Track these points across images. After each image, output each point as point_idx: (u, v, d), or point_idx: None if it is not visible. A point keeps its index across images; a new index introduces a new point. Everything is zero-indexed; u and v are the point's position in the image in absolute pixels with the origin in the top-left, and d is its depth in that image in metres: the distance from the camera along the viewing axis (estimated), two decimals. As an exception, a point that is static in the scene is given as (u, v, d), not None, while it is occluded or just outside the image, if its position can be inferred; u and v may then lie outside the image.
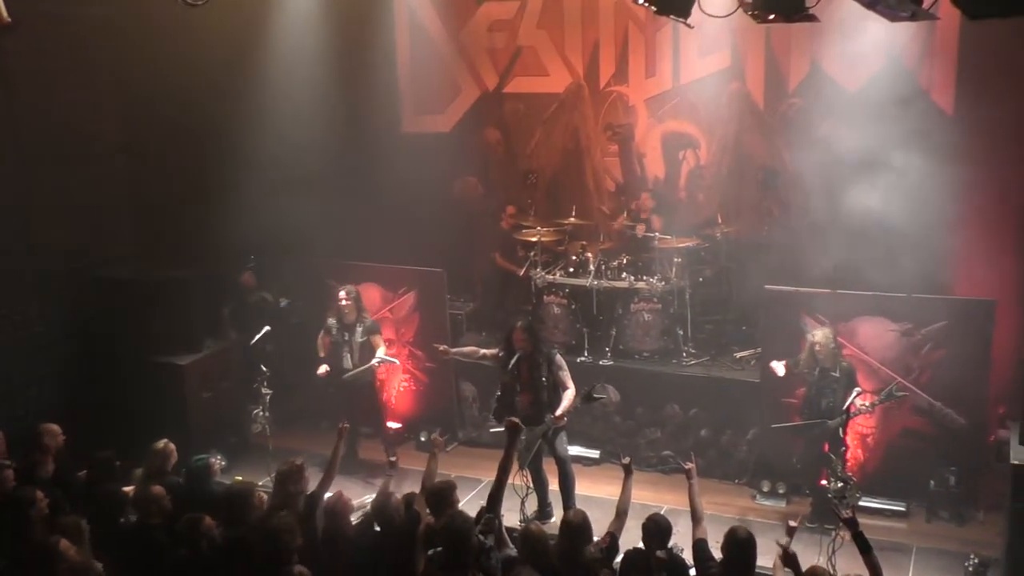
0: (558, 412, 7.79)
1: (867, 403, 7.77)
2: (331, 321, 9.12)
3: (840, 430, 7.65)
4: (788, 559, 5.43)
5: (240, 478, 8.34)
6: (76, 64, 9.29)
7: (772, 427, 8.10)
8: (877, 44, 8.66)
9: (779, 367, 7.96)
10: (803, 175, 9.31)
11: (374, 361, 8.98)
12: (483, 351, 8.36)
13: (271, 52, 10.03)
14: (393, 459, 7.63)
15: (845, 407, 7.53)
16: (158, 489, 6.29)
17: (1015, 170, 8.50)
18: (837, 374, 7.73)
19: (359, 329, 9.04)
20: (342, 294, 9.02)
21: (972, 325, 8.02)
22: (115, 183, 9.94)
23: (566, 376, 7.91)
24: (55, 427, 7.22)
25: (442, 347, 8.59)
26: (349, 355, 9.02)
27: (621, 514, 6.09)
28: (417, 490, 6.36)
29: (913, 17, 5.04)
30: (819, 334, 7.81)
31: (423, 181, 10.60)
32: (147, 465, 6.80)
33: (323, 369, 9.07)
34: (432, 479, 6.39)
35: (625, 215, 10.15)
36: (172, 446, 6.93)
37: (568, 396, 7.82)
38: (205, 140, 10.07)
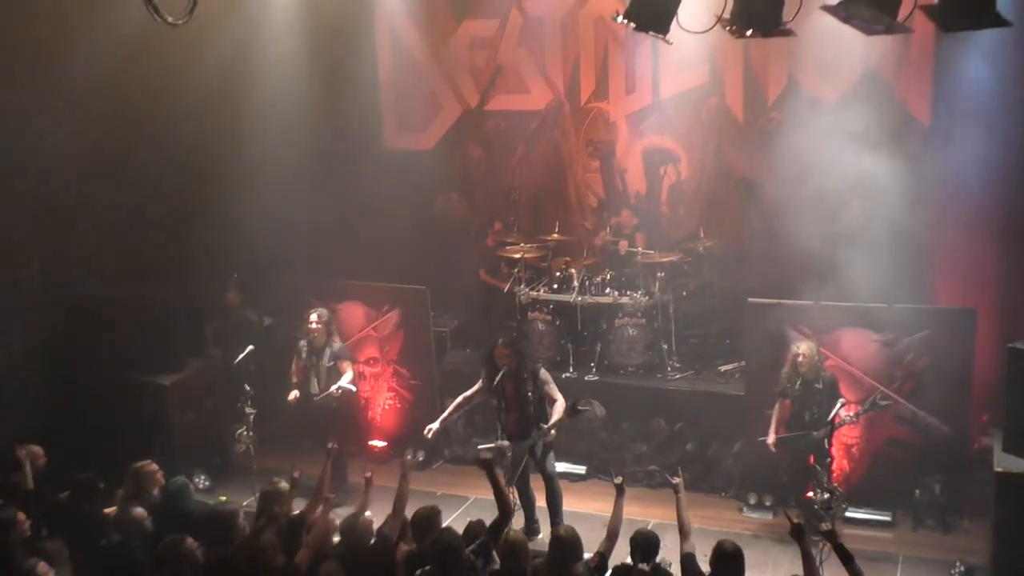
0: (549, 424, 7.76)
1: (851, 413, 7.80)
2: (302, 344, 8.98)
3: (825, 441, 7.66)
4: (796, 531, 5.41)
5: (224, 498, 8.29)
6: (55, 83, 9.25)
7: (758, 440, 8.11)
8: (854, 57, 8.76)
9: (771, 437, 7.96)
10: (783, 188, 9.37)
11: (333, 388, 8.73)
12: (467, 394, 8.13)
13: (253, 70, 10.03)
14: (369, 475, 6.93)
15: (830, 418, 7.55)
16: (139, 511, 6.24)
17: (992, 179, 8.56)
18: (820, 386, 7.75)
19: (327, 353, 8.87)
20: (313, 317, 8.86)
21: (954, 334, 8.07)
22: (96, 202, 9.88)
23: (553, 389, 7.89)
24: (37, 448, 7.15)
25: (428, 431, 8.14)
26: (316, 379, 8.85)
27: (612, 534, 6.01)
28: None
29: (888, 30, 5.09)
30: (803, 346, 7.84)
31: (405, 198, 10.61)
32: (127, 486, 6.74)
33: (293, 395, 8.90)
34: (404, 501, 6.31)
35: (608, 231, 10.17)
36: (154, 467, 6.84)
37: (558, 408, 7.77)
38: (187, 158, 10.05)
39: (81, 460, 7.22)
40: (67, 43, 9.16)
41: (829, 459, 7.66)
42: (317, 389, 8.84)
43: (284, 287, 10.31)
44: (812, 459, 7.63)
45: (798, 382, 7.80)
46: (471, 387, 8.16)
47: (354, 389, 9.06)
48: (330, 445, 7.01)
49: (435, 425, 8.13)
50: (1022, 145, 8.51)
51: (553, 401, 7.84)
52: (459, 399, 8.20)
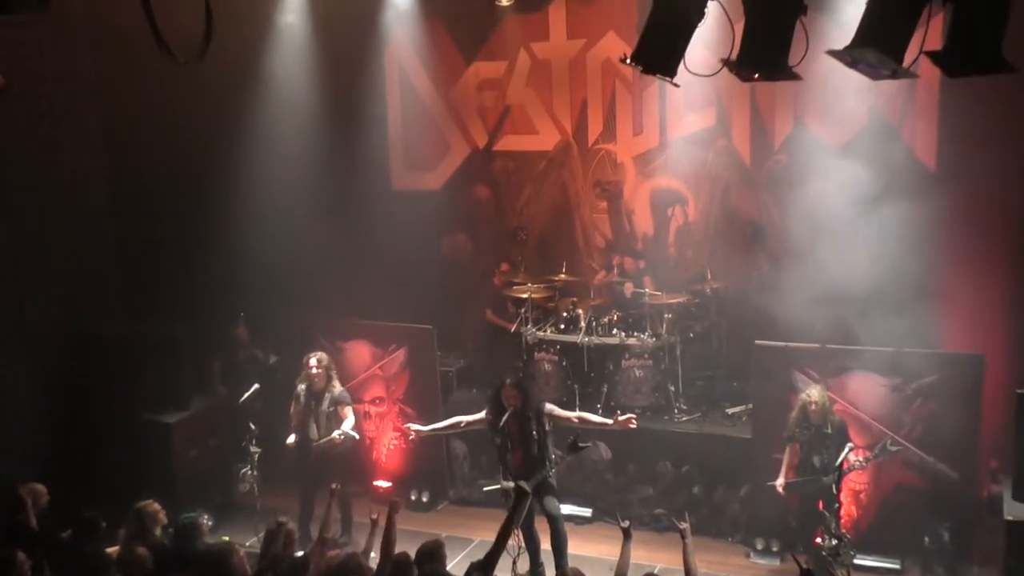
0: (556, 461, 7.71)
1: (861, 459, 7.72)
2: (300, 388, 8.81)
3: (834, 487, 7.58)
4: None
5: (227, 538, 8.23)
6: (64, 120, 9.35)
7: (767, 484, 8.05)
8: (860, 101, 8.80)
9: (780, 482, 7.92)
10: (790, 230, 9.39)
11: (336, 434, 8.53)
12: (467, 419, 8.10)
13: (262, 109, 10.14)
14: (375, 517, 6.76)
15: (838, 463, 7.48)
16: (142, 550, 6.20)
17: (999, 223, 8.57)
18: (829, 431, 7.68)
19: (327, 398, 8.68)
20: (312, 361, 8.68)
21: (962, 379, 8.02)
22: (102, 238, 9.93)
23: (568, 416, 7.89)
24: (40, 486, 7.12)
25: (411, 428, 8.23)
26: (315, 425, 8.66)
27: None
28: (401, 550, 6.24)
29: (894, 75, 5.10)
30: (815, 393, 7.75)
31: (413, 237, 10.65)
32: (130, 525, 6.69)
33: (292, 439, 8.75)
34: (391, 547, 6.22)
35: (615, 271, 10.17)
36: (157, 506, 6.78)
37: (575, 423, 7.80)
38: (195, 196, 10.11)
39: (85, 499, 7.17)
40: (79, 86, 9.31)
41: (838, 505, 7.57)
42: (316, 435, 8.64)
43: (291, 325, 10.32)
44: (821, 504, 7.57)
45: (807, 427, 7.74)
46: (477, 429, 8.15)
47: (357, 436, 8.86)
48: (333, 486, 6.95)
49: (422, 428, 8.15)
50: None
51: (570, 422, 7.82)
52: (456, 419, 8.20)
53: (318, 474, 8.65)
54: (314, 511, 8.78)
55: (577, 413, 8.09)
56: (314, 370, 8.68)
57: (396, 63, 11.01)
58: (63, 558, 6.53)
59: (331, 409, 8.69)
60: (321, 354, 8.84)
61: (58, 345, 9.38)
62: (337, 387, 8.83)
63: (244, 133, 10.08)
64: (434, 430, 8.29)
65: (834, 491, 7.54)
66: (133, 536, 6.58)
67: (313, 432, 8.67)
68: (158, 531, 6.71)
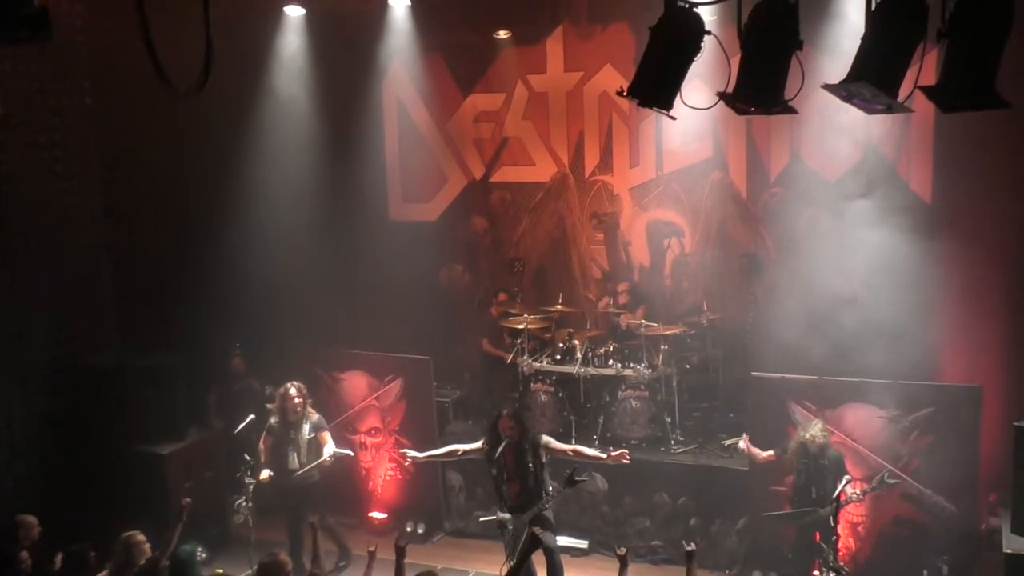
0: (550, 496, 7.67)
1: (858, 491, 7.70)
2: (273, 420, 8.66)
3: (831, 519, 7.55)
4: None
5: (221, 571, 8.16)
6: (64, 151, 9.37)
7: (763, 515, 8.01)
8: (855, 135, 8.87)
9: (742, 443, 8.06)
10: (786, 263, 9.42)
11: (327, 456, 8.49)
12: (463, 448, 8.04)
13: (260, 141, 10.20)
14: (372, 549, 6.70)
15: (835, 495, 7.45)
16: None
17: (995, 256, 8.60)
18: (826, 463, 7.66)
19: (306, 426, 8.57)
20: (293, 391, 8.57)
21: (959, 411, 8.01)
22: (98, 269, 9.93)
23: (563, 449, 7.83)
24: (32, 519, 7.07)
25: (407, 454, 8.15)
26: (295, 454, 8.51)
27: None
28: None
29: (889, 110, 5.14)
30: (816, 429, 7.69)
31: (410, 269, 10.66)
32: (116, 556, 6.62)
33: (266, 474, 8.51)
34: None
35: (613, 302, 10.17)
36: (141, 537, 6.72)
37: (570, 456, 7.78)
38: (192, 227, 10.14)
39: (78, 530, 7.13)
40: (78, 117, 9.35)
41: (835, 537, 7.54)
42: (297, 464, 8.51)
43: (288, 356, 10.29)
44: (818, 536, 7.53)
45: (805, 459, 7.70)
46: (473, 459, 8.10)
47: (351, 453, 8.91)
48: (311, 520, 6.90)
49: (418, 455, 8.06)
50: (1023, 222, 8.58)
51: (566, 455, 7.79)
52: (453, 447, 8.12)
53: (301, 503, 8.55)
54: (303, 542, 8.63)
55: (572, 446, 8.06)
56: (296, 399, 8.56)
57: (394, 95, 11.08)
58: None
59: (312, 436, 8.60)
60: (297, 383, 8.71)
61: (53, 376, 9.34)
62: (314, 413, 8.74)
63: (242, 164, 10.13)
64: (430, 457, 8.21)
65: (831, 523, 7.52)
66: (120, 568, 6.53)
67: (293, 462, 8.51)
68: (143, 562, 6.65)
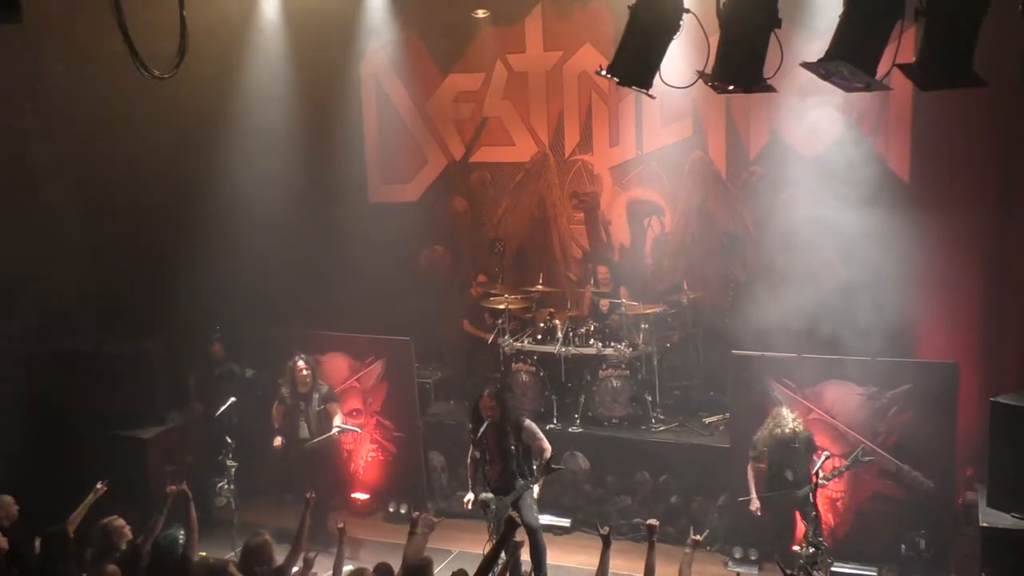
0: (532, 479, 7.70)
1: (834, 469, 7.77)
2: (284, 390, 9.00)
3: (810, 495, 7.62)
4: None
5: (203, 554, 8.15)
6: (36, 135, 9.27)
7: (740, 501, 8.09)
8: (834, 113, 8.88)
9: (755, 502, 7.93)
10: (765, 241, 9.46)
11: (334, 430, 8.80)
12: (471, 455, 8.02)
13: (238, 123, 10.09)
14: (341, 526, 6.82)
15: (816, 470, 7.51)
16: (112, 568, 6.13)
17: (972, 233, 8.66)
18: (796, 445, 7.72)
19: (315, 397, 8.90)
20: (301, 363, 8.90)
21: (936, 388, 8.09)
22: (77, 253, 9.85)
23: (542, 440, 7.83)
24: (8, 498, 7.04)
25: (468, 503, 8.07)
26: (306, 424, 8.85)
27: None
28: (383, 561, 6.21)
29: (867, 88, 5.16)
30: (784, 419, 7.75)
31: (390, 250, 10.64)
32: (95, 542, 6.59)
33: (278, 440, 8.88)
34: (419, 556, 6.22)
35: (595, 282, 10.19)
36: (121, 521, 6.70)
37: (546, 457, 7.71)
38: (170, 210, 10.04)
39: (58, 516, 7.09)
40: (50, 101, 9.23)
41: (815, 513, 7.61)
42: (307, 434, 8.82)
43: (267, 339, 10.27)
44: (798, 516, 7.59)
45: (775, 446, 7.75)
46: (455, 440, 8.12)
47: (358, 430, 9.18)
48: (308, 495, 6.92)
49: (470, 495, 8.03)
50: (1000, 200, 8.64)
51: (541, 451, 7.78)
52: (469, 462, 8.10)
53: (309, 473, 8.74)
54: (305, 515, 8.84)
55: (547, 448, 7.83)
56: (304, 371, 8.85)
57: (372, 76, 11.00)
58: (34, 574, 6.46)
59: (321, 407, 8.87)
60: (306, 355, 9.03)
61: (33, 362, 9.28)
62: (324, 386, 9.06)
63: (219, 148, 10.04)
64: (474, 487, 8.05)
65: (810, 500, 7.59)
66: (99, 554, 6.50)
67: (303, 432, 8.81)
68: (123, 546, 6.63)
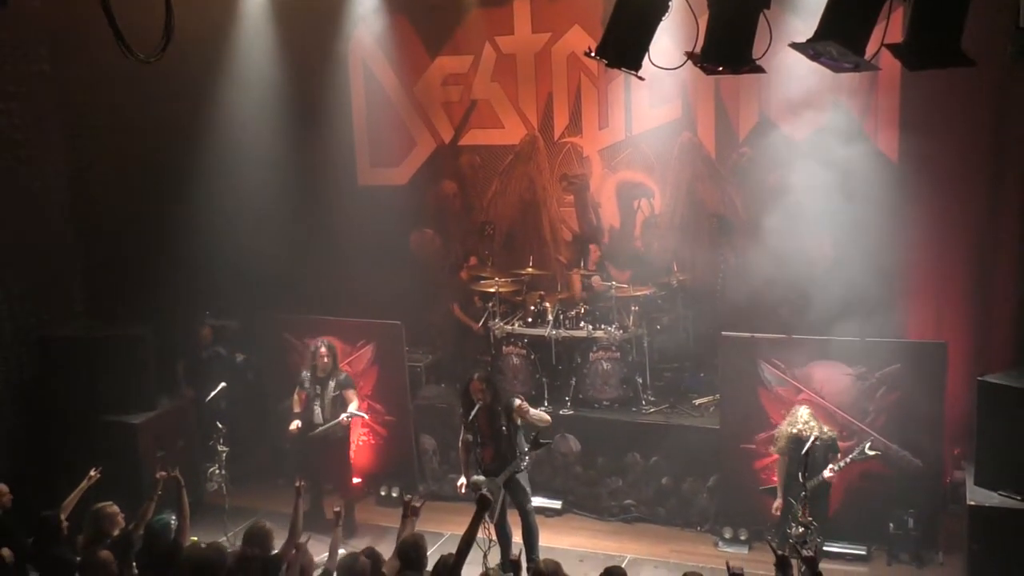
0: (522, 454, 7.71)
1: (840, 463, 7.70)
2: (305, 374, 9.05)
3: (800, 476, 7.57)
4: None
5: (196, 539, 8.17)
6: (23, 120, 9.20)
7: (759, 490, 8.13)
8: (823, 94, 8.87)
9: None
10: (754, 223, 9.47)
11: (343, 416, 8.82)
12: (462, 439, 8.07)
13: (226, 107, 10.04)
14: (337, 510, 6.92)
15: (804, 451, 7.47)
16: (105, 554, 6.13)
17: (960, 213, 8.69)
18: (818, 443, 7.60)
19: (331, 383, 8.93)
20: (323, 349, 8.96)
21: (925, 368, 8.13)
22: (63, 239, 9.80)
23: (535, 414, 7.83)
24: (3, 487, 7.04)
25: (461, 487, 8.09)
26: (320, 410, 8.90)
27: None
28: (375, 545, 6.24)
29: (856, 68, 5.16)
30: (804, 419, 7.67)
31: (380, 234, 10.61)
32: (87, 528, 6.60)
33: (295, 424, 8.92)
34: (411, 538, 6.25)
35: (584, 264, 10.20)
36: (115, 508, 6.71)
37: (541, 416, 7.80)
38: (157, 195, 10.00)
39: (50, 501, 7.10)
40: (37, 85, 9.15)
41: (804, 493, 7.62)
42: (321, 419, 8.87)
43: (257, 323, 10.25)
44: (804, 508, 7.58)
45: (796, 445, 7.66)
46: (446, 423, 8.11)
47: (366, 416, 9.21)
48: (297, 483, 6.94)
49: (463, 479, 8.07)
50: (989, 180, 8.66)
51: (541, 421, 7.79)
52: (461, 446, 8.13)
53: (319, 458, 8.92)
54: (322, 492, 9.15)
55: (546, 418, 7.91)
56: (324, 358, 8.92)
57: (360, 58, 10.94)
58: (27, 560, 6.47)
59: (336, 393, 8.93)
60: (328, 340, 9.09)
61: (21, 347, 9.25)
62: (342, 372, 9.12)
63: (206, 131, 9.98)
64: (468, 472, 8.03)
65: (801, 480, 7.55)
66: (92, 539, 6.50)
67: (318, 416, 8.87)
68: (116, 532, 6.64)
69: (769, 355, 8.53)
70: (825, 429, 7.77)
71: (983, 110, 8.53)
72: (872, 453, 7.74)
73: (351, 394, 9.01)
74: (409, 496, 6.71)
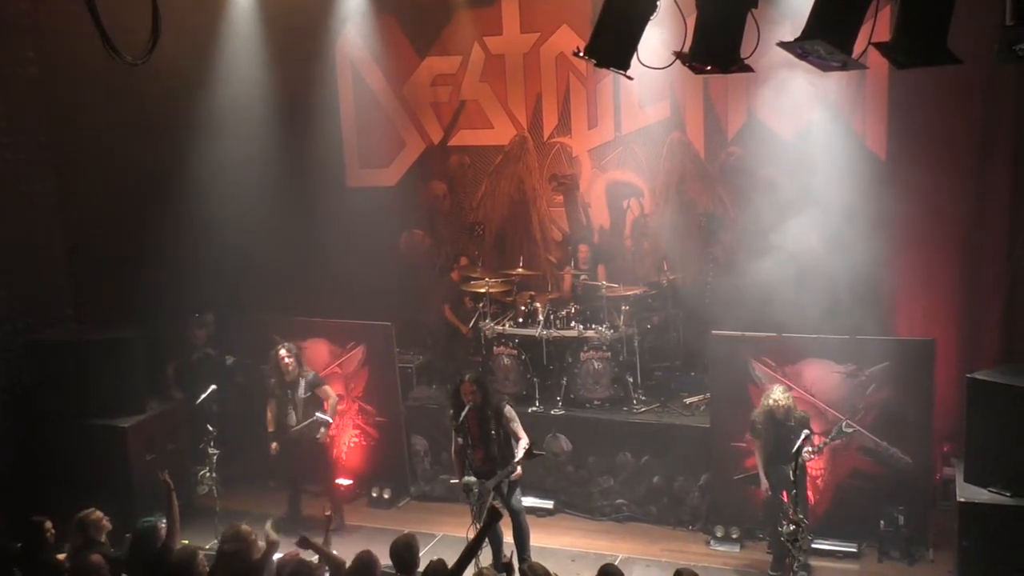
0: (515, 461, 7.71)
1: (818, 444, 7.79)
2: (272, 381, 8.98)
3: (791, 473, 7.63)
4: None
5: (186, 542, 8.14)
6: (9, 122, 9.16)
7: (735, 478, 8.12)
8: (811, 93, 8.89)
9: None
10: (744, 222, 9.49)
11: (317, 414, 8.81)
12: (454, 442, 8.04)
13: (213, 108, 10.00)
14: (328, 513, 6.92)
15: (795, 449, 7.53)
16: (96, 558, 6.10)
17: (948, 211, 8.73)
18: (793, 424, 7.72)
19: (302, 384, 8.89)
20: (283, 352, 8.87)
21: (914, 365, 8.15)
22: (52, 242, 9.76)
23: (517, 427, 7.84)
24: None
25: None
26: (293, 412, 8.86)
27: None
28: (364, 548, 6.22)
29: (844, 67, 5.17)
30: (778, 393, 7.76)
31: (370, 235, 10.60)
32: (73, 536, 6.51)
33: (274, 445, 8.91)
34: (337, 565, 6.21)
35: (574, 264, 10.21)
36: (99, 514, 6.64)
37: (522, 446, 7.71)
38: (146, 196, 9.96)
39: (39, 506, 7.06)
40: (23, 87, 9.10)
41: (795, 491, 7.65)
42: (294, 421, 8.84)
43: (247, 325, 10.22)
44: (785, 495, 7.62)
45: (771, 424, 7.78)
46: (437, 424, 8.09)
47: (330, 420, 8.95)
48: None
49: (486, 485, 7.93)
50: (976, 178, 8.70)
51: (518, 439, 7.78)
52: (453, 450, 8.07)
53: (296, 460, 8.91)
54: (300, 493, 9.12)
55: (523, 443, 7.75)
56: (286, 360, 8.84)
57: (348, 60, 10.92)
58: (17, 566, 6.43)
59: (308, 394, 8.88)
60: (288, 344, 9.00)
61: (10, 350, 9.20)
62: (309, 372, 9.04)
63: (194, 133, 9.94)
64: (463, 474, 7.92)
65: (791, 477, 7.60)
66: (78, 547, 6.44)
67: (292, 419, 8.85)
68: (103, 538, 6.59)
69: (759, 353, 8.55)
70: (797, 409, 7.82)
71: (970, 107, 8.56)
72: (849, 430, 7.79)
73: (325, 391, 8.98)
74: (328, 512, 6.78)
